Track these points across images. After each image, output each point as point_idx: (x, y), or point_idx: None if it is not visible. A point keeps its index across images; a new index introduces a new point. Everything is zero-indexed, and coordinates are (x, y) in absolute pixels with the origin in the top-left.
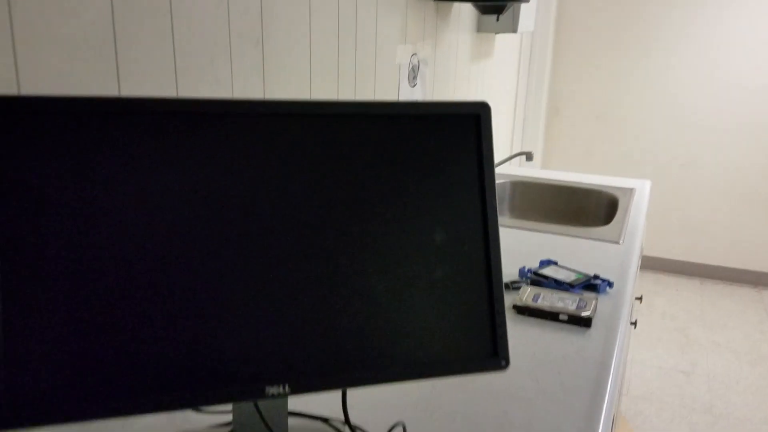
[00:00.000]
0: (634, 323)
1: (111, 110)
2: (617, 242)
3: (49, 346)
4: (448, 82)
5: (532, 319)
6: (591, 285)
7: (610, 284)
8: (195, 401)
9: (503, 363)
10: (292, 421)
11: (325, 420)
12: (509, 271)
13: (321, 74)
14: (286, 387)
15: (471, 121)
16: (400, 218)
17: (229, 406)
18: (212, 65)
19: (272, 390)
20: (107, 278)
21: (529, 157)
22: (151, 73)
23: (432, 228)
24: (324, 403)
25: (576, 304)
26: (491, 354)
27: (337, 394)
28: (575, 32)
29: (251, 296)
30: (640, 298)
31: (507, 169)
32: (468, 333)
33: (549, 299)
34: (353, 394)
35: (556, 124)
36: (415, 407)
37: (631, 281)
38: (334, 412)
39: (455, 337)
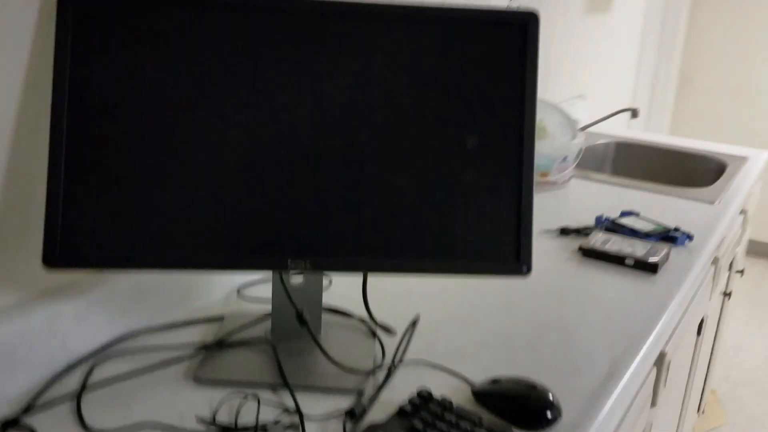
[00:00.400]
0: (728, 294)
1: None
2: (711, 203)
3: (108, 195)
4: (553, 36)
5: (597, 262)
6: (669, 237)
7: (689, 237)
8: (232, 264)
9: (524, 269)
10: (330, 317)
11: (361, 320)
12: (587, 219)
13: None
14: (308, 263)
15: (517, 31)
16: (434, 118)
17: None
18: None
19: (295, 263)
20: (168, 135)
21: (634, 114)
22: None
23: (466, 131)
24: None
25: (646, 250)
26: (514, 259)
27: (374, 303)
28: None
29: (290, 176)
30: (741, 272)
31: (613, 129)
32: (492, 236)
33: (618, 244)
34: (374, 291)
35: (686, 95)
36: (442, 314)
37: (715, 239)
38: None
39: (479, 239)
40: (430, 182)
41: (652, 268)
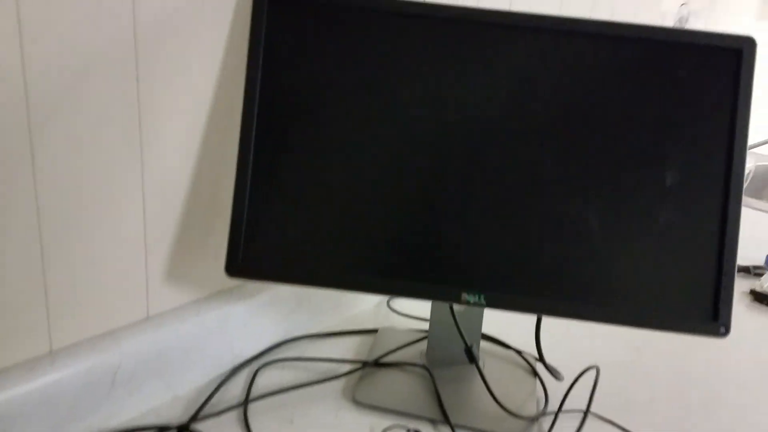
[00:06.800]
0: None
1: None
2: None
3: (290, 210)
4: None
5: None
6: None
7: None
8: (405, 291)
9: (723, 330)
10: (484, 344)
11: (518, 352)
12: (755, 255)
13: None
14: (482, 297)
15: (731, 56)
16: (629, 148)
17: (426, 314)
18: None
19: (468, 297)
20: (352, 150)
21: None
22: None
23: (665, 166)
24: (516, 339)
25: None
26: (711, 317)
27: (530, 332)
28: None
29: (469, 206)
30: None
31: None
32: (687, 289)
33: None
34: (548, 331)
35: None
36: (614, 359)
37: None
38: (527, 347)
39: (671, 291)
40: (619, 219)
41: None
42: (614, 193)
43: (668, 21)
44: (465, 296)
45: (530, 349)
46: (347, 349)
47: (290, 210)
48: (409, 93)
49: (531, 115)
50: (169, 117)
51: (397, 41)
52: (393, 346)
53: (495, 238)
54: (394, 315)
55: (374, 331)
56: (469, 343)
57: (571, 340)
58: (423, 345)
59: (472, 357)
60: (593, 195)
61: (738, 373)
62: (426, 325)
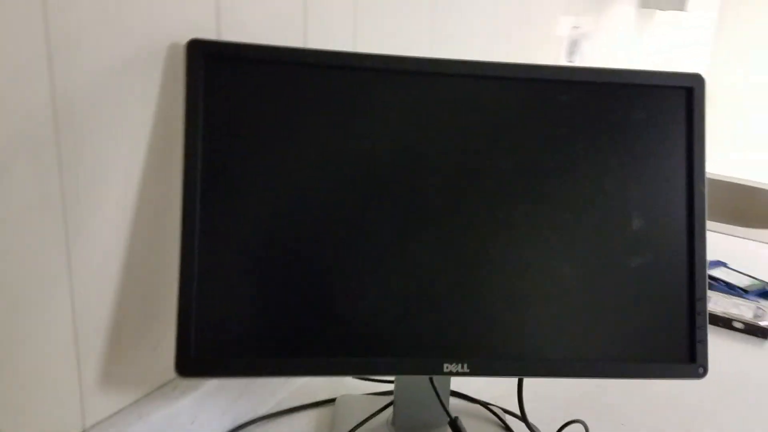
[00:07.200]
0: None
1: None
2: None
3: (239, 301)
4: (607, 63)
5: None
6: (764, 293)
7: None
8: (382, 369)
9: (701, 371)
10: (452, 401)
11: (485, 405)
12: None
13: (484, 36)
14: (465, 366)
15: (683, 95)
16: (595, 195)
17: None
18: (384, 23)
19: (451, 367)
20: (312, 218)
21: None
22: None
23: (630, 210)
24: (483, 388)
25: (752, 312)
26: (687, 359)
27: (496, 382)
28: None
29: (436, 274)
30: None
31: None
32: (662, 334)
33: (722, 304)
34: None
35: (709, 117)
36: (583, 405)
37: None
38: (493, 398)
39: (647, 338)
40: (593, 270)
41: (764, 334)
42: (587, 245)
43: (564, 45)
44: (447, 367)
45: (495, 399)
46: (306, 426)
47: (246, 292)
48: (341, 145)
49: (494, 170)
50: (98, 202)
51: (358, 100)
52: (357, 419)
53: (476, 302)
54: (348, 378)
55: (331, 402)
56: (454, 417)
57: (537, 387)
58: (389, 412)
59: (457, 429)
60: (570, 249)
61: (714, 412)
62: (385, 386)
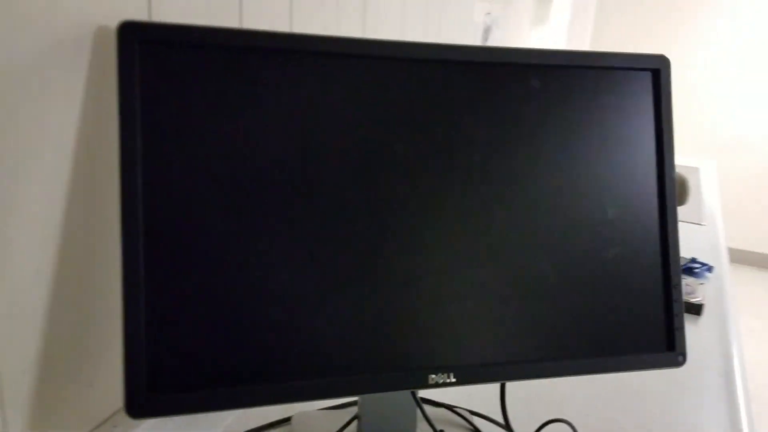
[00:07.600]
0: None
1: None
2: (700, 224)
3: (192, 326)
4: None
5: None
6: (688, 269)
7: (709, 268)
8: (362, 388)
9: (680, 359)
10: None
11: (450, 407)
12: None
13: (411, 18)
14: (451, 376)
15: (649, 77)
16: (571, 183)
17: None
18: (323, 6)
19: (436, 379)
20: (272, 222)
21: None
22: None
23: (603, 199)
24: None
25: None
26: (665, 348)
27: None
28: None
29: (407, 282)
30: None
31: None
32: (641, 324)
33: None
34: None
35: None
36: (567, 403)
37: (726, 265)
38: (455, 401)
39: (627, 330)
40: (569, 264)
41: (696, 311)
42: (564, 238)
43: (478, 32)
44: (433, 378)
45: (458, 401)
46: None
47: (199, 315)
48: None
49: (462, 164)
50: (17, 220)
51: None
52: None
53: (456, 308)
54: None
55: (286, 421)
56: (439, 430)
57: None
58: (353, 428)
59: None
60: (547, 242)
61: (691, 392)
62: (341, 399)
